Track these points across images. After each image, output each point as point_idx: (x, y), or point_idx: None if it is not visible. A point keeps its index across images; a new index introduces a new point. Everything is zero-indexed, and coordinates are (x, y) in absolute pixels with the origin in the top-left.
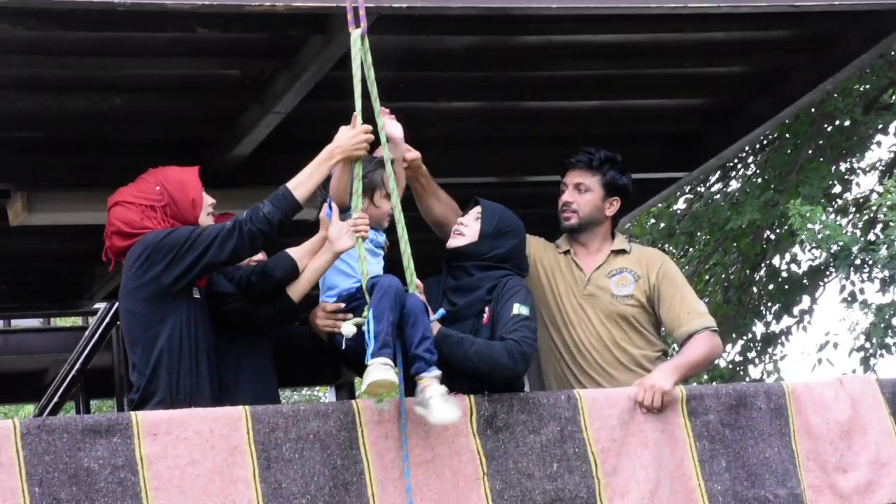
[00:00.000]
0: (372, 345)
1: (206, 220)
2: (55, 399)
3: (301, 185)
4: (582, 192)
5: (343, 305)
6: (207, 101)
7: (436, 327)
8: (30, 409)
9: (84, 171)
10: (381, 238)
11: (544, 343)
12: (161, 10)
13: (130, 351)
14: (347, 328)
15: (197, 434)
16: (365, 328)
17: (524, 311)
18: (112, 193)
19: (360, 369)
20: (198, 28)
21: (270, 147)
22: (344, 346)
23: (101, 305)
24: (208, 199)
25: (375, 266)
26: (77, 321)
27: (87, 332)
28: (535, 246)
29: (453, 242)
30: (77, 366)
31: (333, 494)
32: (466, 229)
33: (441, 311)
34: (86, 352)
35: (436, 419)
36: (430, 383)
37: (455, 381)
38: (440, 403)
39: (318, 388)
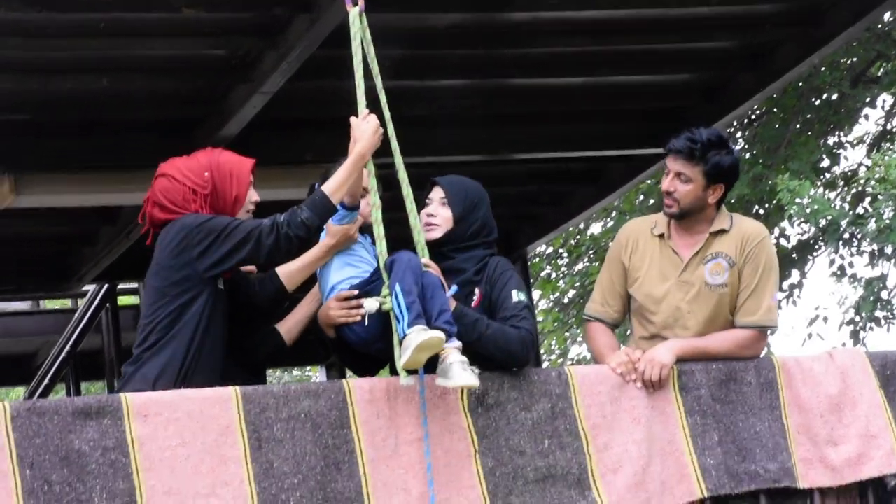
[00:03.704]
0: (406, 315)
1: (243, 216)
2: (45, 382)
3: (338, 189)
4: (683, 182)
5: (357, 292)
6: (194, 82)
7: (452, 302)
8: (20, 391)
9: (72, 153)
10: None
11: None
12: None
13: (144, 324)
14: (370, 304)
15: (187, 415)
16: (393, 302)
17: (523, 297)
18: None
19: (365, 363)
20: (184, 8)
21: (258, 127)
22: (362, 330)
23: (90, 288)
24: (252, 197)
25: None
26: (66, 304)
27: (76, 315)
28: (631, 231)
29: (431, 235)
30: (67, 348)
31: (325, 474)
32: (437, 219)
33: (455, 287)
34: (75, 334)
35: (455, 384)
36: (451, 353)
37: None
38: (459, 370)
39: (308, 367)
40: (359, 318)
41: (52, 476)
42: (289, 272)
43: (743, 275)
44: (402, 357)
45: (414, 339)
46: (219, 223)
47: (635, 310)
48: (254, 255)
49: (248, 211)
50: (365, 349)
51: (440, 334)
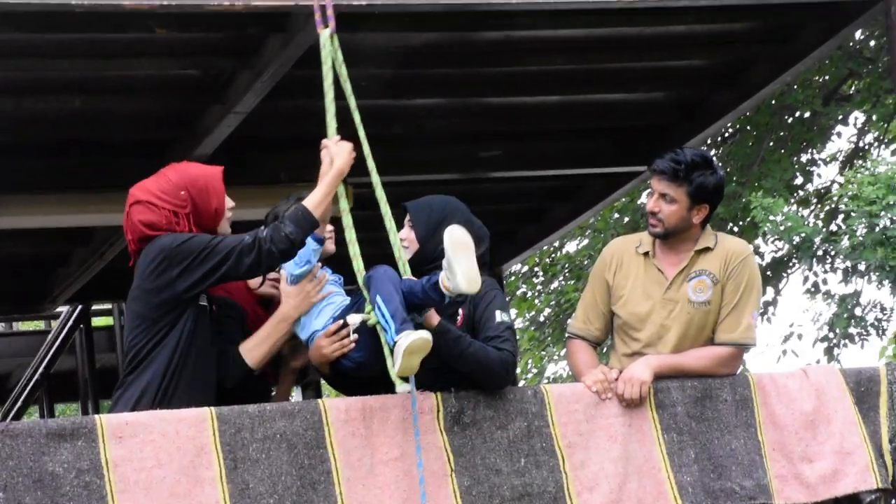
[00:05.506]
0: (392, 323)
1: (225, 226)
2: (19, 403)
3: (319, 204)
4: (668, 203)
5: (342, 322)
6: (168, 102)
7: (435, 318)
8: None
9: (44, 173)
10: (339, 277)
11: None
12: (119, 10)
13: (127, 349)
14: (353, 318)
15: (162, 436)
16: (377, 314)
17: (506, 318)
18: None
19: (365, 389)
20: (157, 28)
21: (232, 146)
22: (359, 354)
23: (63, 309)
24: (229, 204)
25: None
26: (40, 325)
27: (49, 336)
28: (615, 250)
29: (405, 258)
30: (40, 370)
31: (301, 494)
32: (406, 241)
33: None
34: (49, 356)
35: (406, 344)
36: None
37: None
38: (406, 337)
39: None
40: (352, 345)
41: (25, 499)
42: (249, 349)
43: (725, 292)
44: (395, 364)
45: (402, 344)
46: (198, 243)
47: (619, 326)
48: (232, 273)
49: (228, 219)
50: (365, 372)
51: (426, 334)
